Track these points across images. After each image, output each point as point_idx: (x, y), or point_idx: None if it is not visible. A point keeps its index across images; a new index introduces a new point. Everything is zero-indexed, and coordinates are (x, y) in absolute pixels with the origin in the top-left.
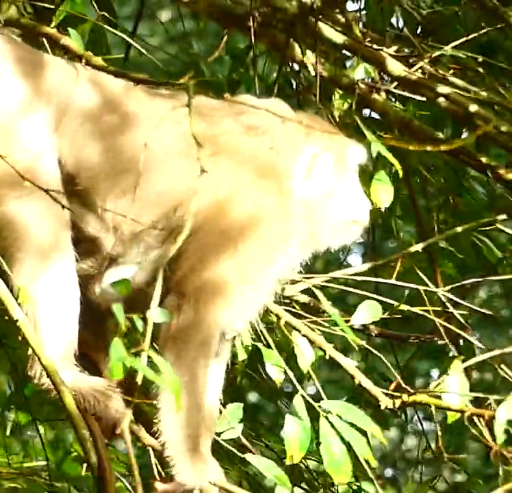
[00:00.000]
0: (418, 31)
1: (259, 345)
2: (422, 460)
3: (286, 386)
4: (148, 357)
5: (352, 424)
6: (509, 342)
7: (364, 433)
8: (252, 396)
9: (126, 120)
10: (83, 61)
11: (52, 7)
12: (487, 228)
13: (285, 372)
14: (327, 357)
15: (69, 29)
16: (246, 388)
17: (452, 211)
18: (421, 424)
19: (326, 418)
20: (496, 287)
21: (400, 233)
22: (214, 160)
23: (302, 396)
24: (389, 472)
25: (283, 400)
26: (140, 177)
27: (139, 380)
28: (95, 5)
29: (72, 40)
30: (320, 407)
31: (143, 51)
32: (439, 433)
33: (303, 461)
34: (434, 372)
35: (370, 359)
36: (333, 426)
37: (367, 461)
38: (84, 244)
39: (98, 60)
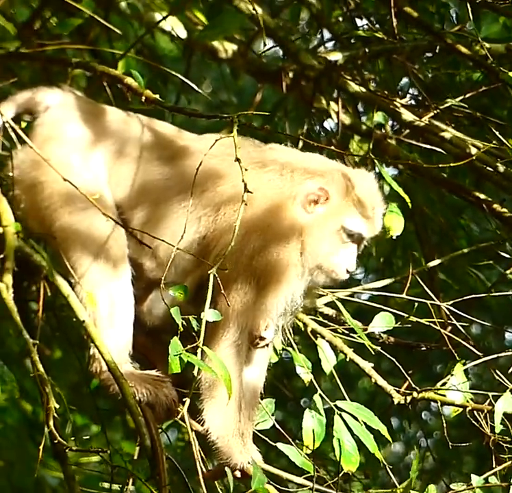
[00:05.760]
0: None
1: (289, 349)
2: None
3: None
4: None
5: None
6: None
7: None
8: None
9: (165, 159)
10: (143, 98)
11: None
12: (480, 263)
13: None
14: (347, 359)
15: (132, 70)
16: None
17: (450, 246)
18: (426, 439)
19: (340, 415)
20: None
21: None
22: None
23: (320, 396)
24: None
25: None
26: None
27: (195, 373)
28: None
29: (134, 81)
30: (335, 405)
31: (197, 88)
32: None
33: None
34: None
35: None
36: (345, 422)
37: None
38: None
39: (156, 97)
